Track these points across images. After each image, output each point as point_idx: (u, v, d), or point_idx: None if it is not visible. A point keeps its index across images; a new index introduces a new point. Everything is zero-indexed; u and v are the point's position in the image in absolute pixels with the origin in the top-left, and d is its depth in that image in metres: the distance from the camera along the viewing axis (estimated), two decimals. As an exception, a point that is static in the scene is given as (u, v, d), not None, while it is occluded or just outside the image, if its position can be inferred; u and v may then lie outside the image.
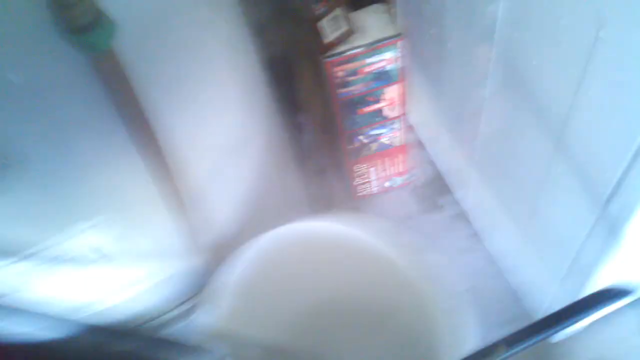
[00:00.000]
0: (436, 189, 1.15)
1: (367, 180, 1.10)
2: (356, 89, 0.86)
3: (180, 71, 0.56)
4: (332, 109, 0.90)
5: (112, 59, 0.48)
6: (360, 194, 1.13)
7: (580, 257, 0.73)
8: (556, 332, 0.55)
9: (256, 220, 0.80)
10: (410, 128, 1.03)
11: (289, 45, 0.88)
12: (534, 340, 0.54)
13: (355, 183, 1.10)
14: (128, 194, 0.61)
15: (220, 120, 0.68)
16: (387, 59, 0.83)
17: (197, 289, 0.77)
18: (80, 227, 0.57)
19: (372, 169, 1.07)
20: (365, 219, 0.75)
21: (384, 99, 0.90)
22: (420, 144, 1.19)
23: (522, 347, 0.53)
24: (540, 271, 0.87)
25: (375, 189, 1.13)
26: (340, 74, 0.83)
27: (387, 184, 1.13)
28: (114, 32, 0.47)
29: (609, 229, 0.63)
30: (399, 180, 1.13)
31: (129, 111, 0.51)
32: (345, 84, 0.85)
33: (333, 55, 0.81)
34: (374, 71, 0.84)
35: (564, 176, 0.68)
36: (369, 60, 0.83)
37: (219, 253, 0.73)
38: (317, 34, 0.81)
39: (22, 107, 0.48)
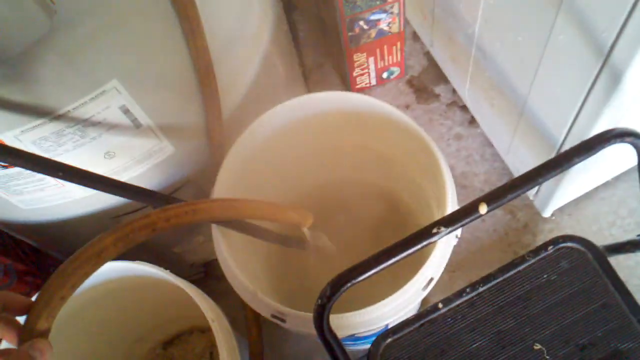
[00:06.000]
0: (433, 78, 1.17)
1: (366, 70, 1.12)
2: (358, -33, 0.87)
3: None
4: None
5: None
6: (359, 85, 1.15)
7: (579, 119, 0.78)
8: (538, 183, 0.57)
9: (260, 108, 0.81)
10: (406, 17, 1.04)
11: None
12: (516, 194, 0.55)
13: (354, 74, 1.12)
14: (152, 54, 0.61)
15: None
16: None
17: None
18: (107, 86, 0.57)
19: (370, 58, 1.09)
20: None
21: (385, -21, 0.91)
22: (415, 34, 1.20)
23: (502, 202, 0.55)
24: (537, 145, 0.91)
25: (373, 80, 1.16)
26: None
27: (384, 75, 1.15)
28: None
29: (613, 77, 0.67)
30: (396, 71, 1.15)
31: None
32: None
33: None
34: (376, -53, 0.85)
35: (567, 34, 0.71)
36: None
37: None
38: None
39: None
